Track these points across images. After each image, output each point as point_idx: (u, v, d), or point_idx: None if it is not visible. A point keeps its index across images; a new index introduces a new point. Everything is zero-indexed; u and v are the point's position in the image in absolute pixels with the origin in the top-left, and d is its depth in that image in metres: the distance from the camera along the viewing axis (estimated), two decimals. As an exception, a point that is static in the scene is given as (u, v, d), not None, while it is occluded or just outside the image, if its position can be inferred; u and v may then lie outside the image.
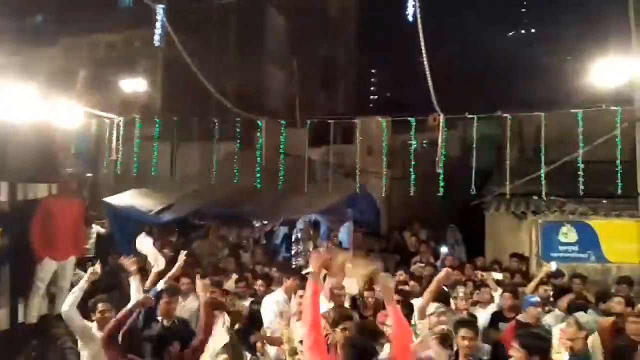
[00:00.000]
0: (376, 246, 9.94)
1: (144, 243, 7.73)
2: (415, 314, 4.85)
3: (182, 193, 10.13)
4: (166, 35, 10.05)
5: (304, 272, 5.29)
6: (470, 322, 4.35)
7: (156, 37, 9.38)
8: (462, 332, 4.02)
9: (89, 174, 12.85)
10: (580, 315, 4.59)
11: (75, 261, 6.76)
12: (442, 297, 5.11)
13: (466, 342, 3.97)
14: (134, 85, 13.57)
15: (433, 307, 4.69)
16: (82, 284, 4.77)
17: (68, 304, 4.53)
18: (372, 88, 42.22)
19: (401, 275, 7.04)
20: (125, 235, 9.63)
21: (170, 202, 9.89)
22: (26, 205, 5.38)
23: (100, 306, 4.56)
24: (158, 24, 9.20)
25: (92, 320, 4.59)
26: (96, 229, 8.99)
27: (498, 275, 7.37)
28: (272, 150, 10.39)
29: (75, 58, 16.46)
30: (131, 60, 15.52)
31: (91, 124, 12.06)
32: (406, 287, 6.13)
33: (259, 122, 11.43)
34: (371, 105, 38.03)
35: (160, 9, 9.12)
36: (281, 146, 9.47)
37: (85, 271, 6.67)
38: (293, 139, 10.48)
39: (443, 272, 4.98)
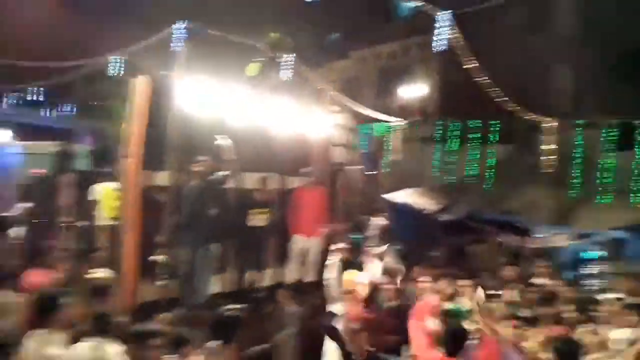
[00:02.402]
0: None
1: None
2: None
3: (457, 195, 10.14)
4: (446, 40, 10.21)
5: None
6: None
7: (438, 43, 9.62)
8: None
9: (372, 172, 14.19)
10: None
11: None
12: None
13: None
14: (413, 90, 14.35)
15: None
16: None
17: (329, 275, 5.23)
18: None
19: None
20: (401, 229, 10.28)
21: (445, 203, 10.04)
22: (287, 193, 6.69)
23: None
24: (439, 30, 9.39)
25: None
26: (377, 220, 9.77)
27: None
28: (557, 154, 9.37)
29: (362, 68, 18.45)
30: (409, 67, 16.41)
31: (375, 126, 13.34)
32: None
33: (540, 122, 10.49)
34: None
35: (442, 15, 9.31)
36: (575, 150, 8.41)
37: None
38: (585, 140, 9.21)
39: None
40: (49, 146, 10.28)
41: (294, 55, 12.56)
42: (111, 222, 5.54)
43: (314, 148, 7.37)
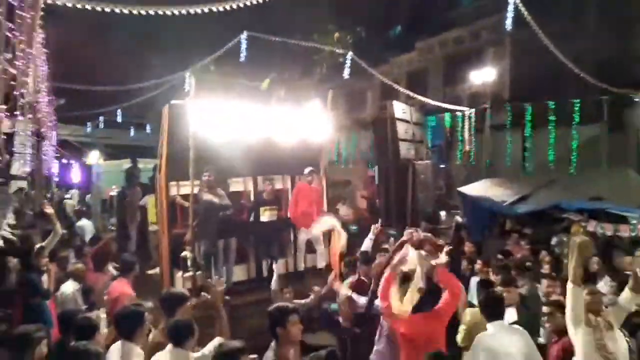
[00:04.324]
0: None
1: None
2: None
3: (538, 183, 9.49)
4: (515, 18, 9.59)
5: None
6: None
7: (507, 22, 9.10)
8: None
9: (442, 165, 13.73)
10: None
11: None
12: None
13: None
14: (483, 75, 13.62)
15: None
16: None
17: None
18: None
19: None
20: (479, 224, 9.82)
21: (525, 193, 9.44)
22: (280, 192, 7.28)
23: None
24: (510, 7, 8.88)
25: None
26: (455, 217, 9.46)
27: None
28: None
29: (429, 59, 17.90)
30: (478, 52, 15.63)
31: (444, 117, 12.89)
32: None
33: (633, 96, 9.53)
34: None
35: (513, -8, 8.78)
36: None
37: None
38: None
39: None
40: (123, 163, 11.57)
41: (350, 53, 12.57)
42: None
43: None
